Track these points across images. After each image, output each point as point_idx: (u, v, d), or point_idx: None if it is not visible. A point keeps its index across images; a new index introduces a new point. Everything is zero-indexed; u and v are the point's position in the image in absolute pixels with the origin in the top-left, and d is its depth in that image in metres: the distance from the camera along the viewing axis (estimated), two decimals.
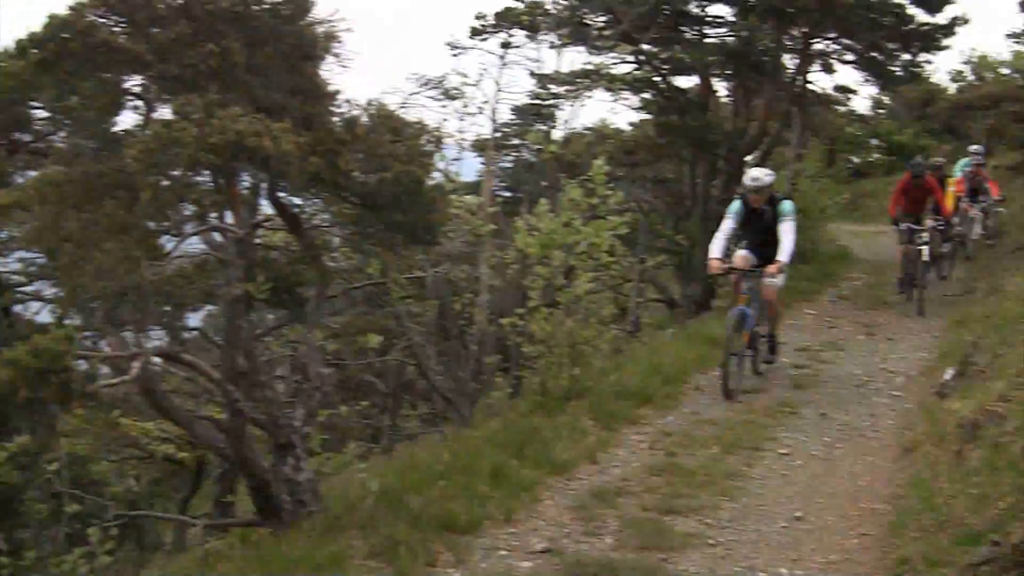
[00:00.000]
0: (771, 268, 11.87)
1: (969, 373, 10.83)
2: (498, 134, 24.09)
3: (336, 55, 9.87)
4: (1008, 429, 7.50)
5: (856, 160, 48.92)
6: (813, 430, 10.76)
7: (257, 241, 12.09)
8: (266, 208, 10.29)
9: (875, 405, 11.82)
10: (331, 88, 9.25)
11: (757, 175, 12.49)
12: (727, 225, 12.45)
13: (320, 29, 9.04)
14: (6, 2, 31.67)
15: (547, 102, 19.57)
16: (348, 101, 9.40)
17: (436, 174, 17.55)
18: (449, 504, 8.03)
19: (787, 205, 12.29)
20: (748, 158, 26.88)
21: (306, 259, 10.67)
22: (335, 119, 9.07)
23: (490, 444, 9.75)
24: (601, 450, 9.83)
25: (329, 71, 9.51)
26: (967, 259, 21.29)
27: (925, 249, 16.99)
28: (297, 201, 10.40)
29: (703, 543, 7.53)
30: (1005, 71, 51.61)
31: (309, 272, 10.99)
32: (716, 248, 12.20)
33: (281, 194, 9.63)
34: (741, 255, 12.67)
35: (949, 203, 19.14)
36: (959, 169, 21.56)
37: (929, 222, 17.51)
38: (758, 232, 12.55)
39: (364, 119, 9.31)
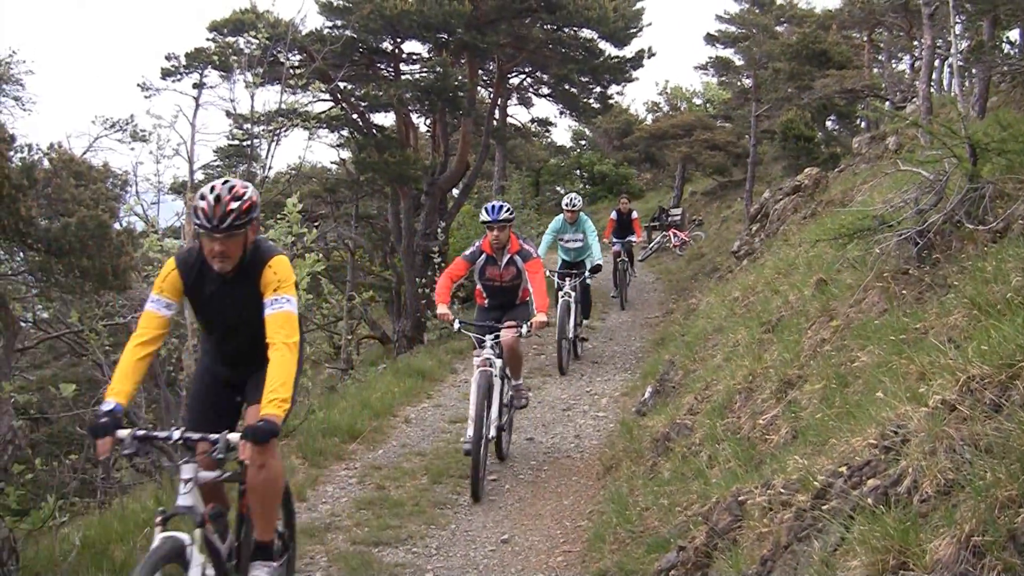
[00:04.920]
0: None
1: (665, 390, 11.25)
2: (200, 176, 23.61)
3: (15, 98, 9.54)
4: (695, 440, 7.83)
5: (561, 190, 50.43)
6: (520, 455, 10.94)
7: None
8: None
9: (580, 427, 12.14)
10: (7, 132, 8.85)
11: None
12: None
13: None
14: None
15: (245, 142, 19.25)
16: (28, 145, 9.04)
17: (132, 218, 17.12)
18: None
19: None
20: (454, 191, 27.31)
21: None
22: (13, 163, 8.68)
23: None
24: (310, 487, 9.71)
25: (7, 114, 9.15)
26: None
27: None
28: None
29: (412, 572, 7.53)
30: (697, 101, 54.36)
31: None
32: None
33: None
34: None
35: None
36: (551, 232, 17.34)
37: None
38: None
39: (46, 163, 8.96)
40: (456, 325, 10.07)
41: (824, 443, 5.18)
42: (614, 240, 22.25)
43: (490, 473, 10.09)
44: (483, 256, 10.61)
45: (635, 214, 22.75)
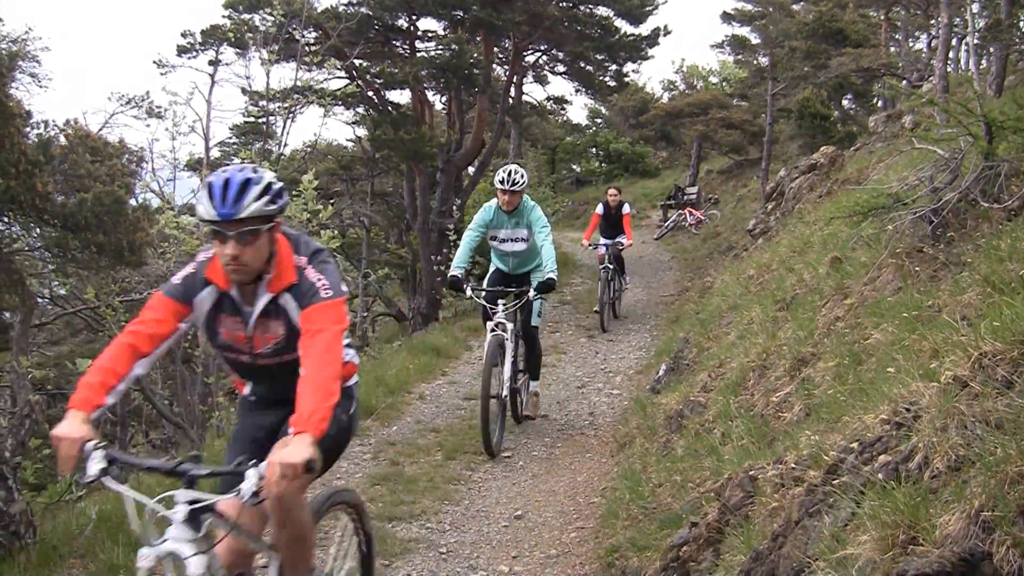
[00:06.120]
0: None
1: (679, 368, 11.27)
2: (216, 153, 23.72)
3: (32, 75, 9.61)
4: (708, 417, 7.85)
5: (577, 168, 50.42)
6: (534, 432, 10.97)
7: None
8: None
9: (595, 404, 12.20)
10: (24, 108, 8.89)
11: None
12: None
13: (6, 47, 8.71)
14: None
15: (260, 119, 19.33)
16: (44, 121, 9.09)
17: (148, 194, 17.19)
18: None
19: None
20: (470, 169, 27.31)
21: (8, 285, 10.18)
22: (29, 139, 8.72)
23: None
24: None
25: (24, 91, 9.20)
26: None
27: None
28: None
29: (425, 547, 7.57)
30: (713, 80, 54.23)
31: (11, 298, 10.51)
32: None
33: None
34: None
35: None
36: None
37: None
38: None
39: (61, 139, 9.01)
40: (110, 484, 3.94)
41: (837, 420, 5.19)
42: (600, 242, 18.36)
43: (504, 451, 10.18)
44: (209, 291, 4.56)
45: (627, 208, 18.51)
